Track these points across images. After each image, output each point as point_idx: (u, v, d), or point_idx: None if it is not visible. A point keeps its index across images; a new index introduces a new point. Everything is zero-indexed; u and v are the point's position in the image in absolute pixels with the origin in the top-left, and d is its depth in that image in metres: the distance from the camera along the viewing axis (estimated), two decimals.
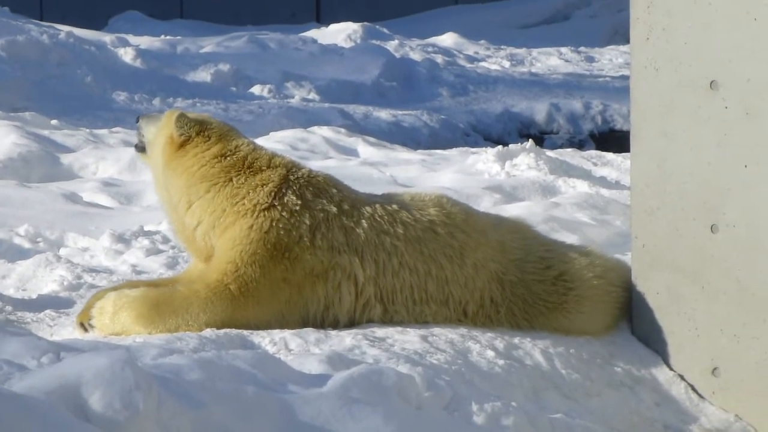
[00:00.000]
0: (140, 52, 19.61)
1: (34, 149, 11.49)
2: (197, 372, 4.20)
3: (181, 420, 3.80)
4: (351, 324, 5.86)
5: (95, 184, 10.52)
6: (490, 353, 5.70)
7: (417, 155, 12.99)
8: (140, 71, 19.07)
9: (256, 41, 21.73)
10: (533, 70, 23.05)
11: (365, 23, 24.30)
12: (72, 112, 16.52)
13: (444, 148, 14.58)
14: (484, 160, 11.47)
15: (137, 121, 6.30)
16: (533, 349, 5.88)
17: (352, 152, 13.41)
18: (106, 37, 20.73)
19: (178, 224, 6.02)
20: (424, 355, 5.49)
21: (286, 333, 5.58)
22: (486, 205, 9.75)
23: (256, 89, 19.29)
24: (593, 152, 13.52)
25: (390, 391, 4.45)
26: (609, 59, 24.26)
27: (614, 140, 17.85)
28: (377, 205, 5.98)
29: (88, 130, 13.49)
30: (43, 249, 8.02)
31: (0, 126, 12.13)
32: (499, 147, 11.79)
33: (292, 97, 19.17)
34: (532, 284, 6.14)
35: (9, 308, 6.34)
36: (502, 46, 24.88)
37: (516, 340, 5.91)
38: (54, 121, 14.29)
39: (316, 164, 10.13)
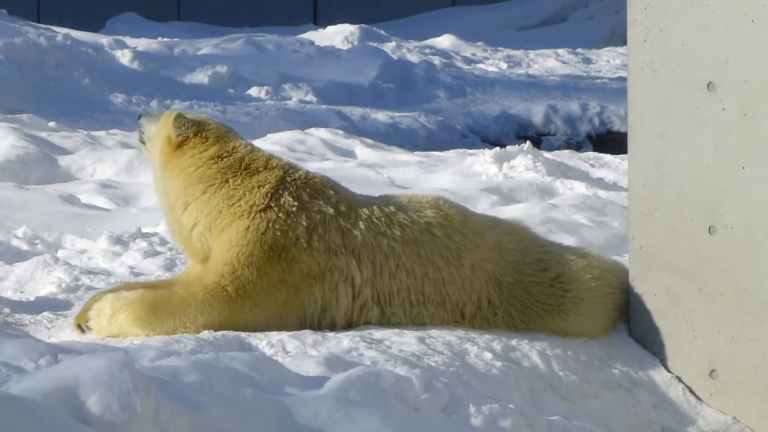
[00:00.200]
0: (137, 54, 19.59)
1: (32, 151, 11.48)
2: (195, 374, 4.20)
3: (178, 422, 3.80)
4: (348, 326, 5.86)
5: (93, 186, 10.51)
6: (488, 355, 5.70)
7: (414, 157, 12.98)
8: (137, 73, 19.05)
9: (253, 43, 21.71)
10: (530, 71, 23.03)
11: (362, 25, 24.29)
12: (69, 114, 16.51)
13: (441, 149, 14.56)
14: (482, 162, 11.46)
15: (139, 119, 6.32)
16: (531, 350, 5.88)
17: (349, 154, 13.41)
18: (104, 39, 20.70)
19: (175, 225, 6.01)
20: (421, 357, 5.48)
21: (284, 335, 5.58)
22: (483, 206, 9.74)
23: (253, 91, 19.28)
24: (591, 154, 13.52)
25: (387, 393, 4.45)
26: (606, 61, 24.24)
27: (612, 142, 17.84)
28: (374, 207, 5.98)
29: (85, 132, 13.47)
30: (41, 251, 8.02)
31: None
32: (497, 149, 11.78)
33: (290, 99, 19.16)
34: (529, 286, 6.13)
35: (7, 310, 6.33)
36: (500, 48, 24.86)
37: (513, 342, 5.90)
38: (51, 123, 14.28)
39: (313, 166, 10.12)
